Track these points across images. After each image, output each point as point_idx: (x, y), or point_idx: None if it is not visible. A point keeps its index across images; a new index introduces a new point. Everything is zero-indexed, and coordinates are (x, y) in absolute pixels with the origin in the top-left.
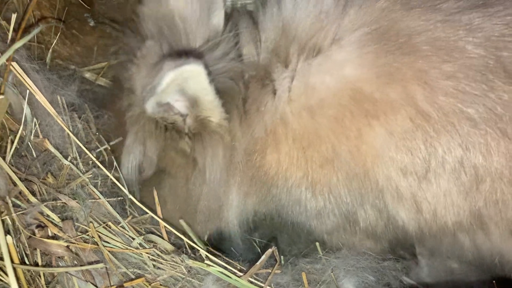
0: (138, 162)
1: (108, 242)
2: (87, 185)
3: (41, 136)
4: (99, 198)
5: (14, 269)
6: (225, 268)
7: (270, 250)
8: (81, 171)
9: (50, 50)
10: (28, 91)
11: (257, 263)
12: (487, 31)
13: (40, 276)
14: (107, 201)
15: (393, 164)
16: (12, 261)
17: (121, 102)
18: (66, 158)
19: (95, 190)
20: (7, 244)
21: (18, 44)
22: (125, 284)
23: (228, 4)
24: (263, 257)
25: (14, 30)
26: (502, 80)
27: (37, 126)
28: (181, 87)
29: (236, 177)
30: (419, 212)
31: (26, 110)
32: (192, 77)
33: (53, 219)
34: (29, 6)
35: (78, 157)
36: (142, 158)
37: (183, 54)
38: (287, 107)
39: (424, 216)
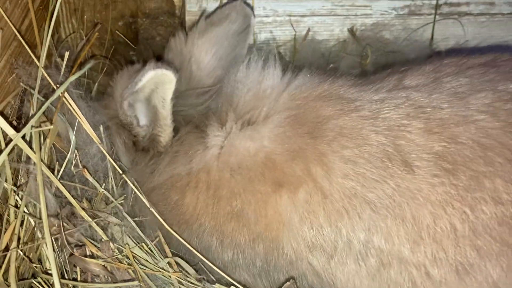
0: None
1: (141, 263)
2: (120, 211)
3: (81, 166)
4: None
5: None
6: None
7: (288, 283)
8: (115, 196)
9: (96, 84)
10: (76, 120)
11: None
12: (390, 121)
13: None
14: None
15: (300, 236)
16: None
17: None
18: (101, 181)
19: (127, 216)
20: (55, 259)
21: (72, 78)
22: None
23: None
24: None
25: (66, 66)
26: (399, 168)
27: (77, 157)
28: (152, 91)
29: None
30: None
31: (72, 138)
32: (165, 83)
33: (98, 236)
34: (85, 45)
35: (113, 181)
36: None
37: (165, 63)
38: (215, 161)
39: None
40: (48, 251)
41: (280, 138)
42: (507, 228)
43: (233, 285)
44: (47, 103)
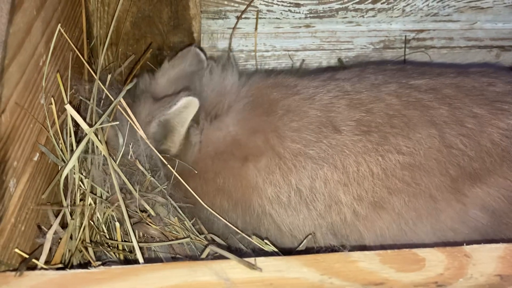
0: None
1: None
2: (164, 194)
3: (134, 157)
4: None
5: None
6: None
7: (310, 236)
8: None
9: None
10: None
11: None
12: (323, 100)
13: None
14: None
15: (263, 193)
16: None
17: None
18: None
19: (169, 198)
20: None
21: (128, 87)
22: None
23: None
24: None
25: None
26: (330, 131)
27: (131, 150)
28: (178, 113)
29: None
30: (293, 236)
31: (120, 139)
32: (190, 107)
33: (147, 211)
34: (136, 64)
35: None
36: None
37: (192, 92)
38: (198, 154)
39: (298, 238)
40: (124, 215)
41: (241, 121)
42: (406, 171)
43: (266, 238)
44: (113, 105)
